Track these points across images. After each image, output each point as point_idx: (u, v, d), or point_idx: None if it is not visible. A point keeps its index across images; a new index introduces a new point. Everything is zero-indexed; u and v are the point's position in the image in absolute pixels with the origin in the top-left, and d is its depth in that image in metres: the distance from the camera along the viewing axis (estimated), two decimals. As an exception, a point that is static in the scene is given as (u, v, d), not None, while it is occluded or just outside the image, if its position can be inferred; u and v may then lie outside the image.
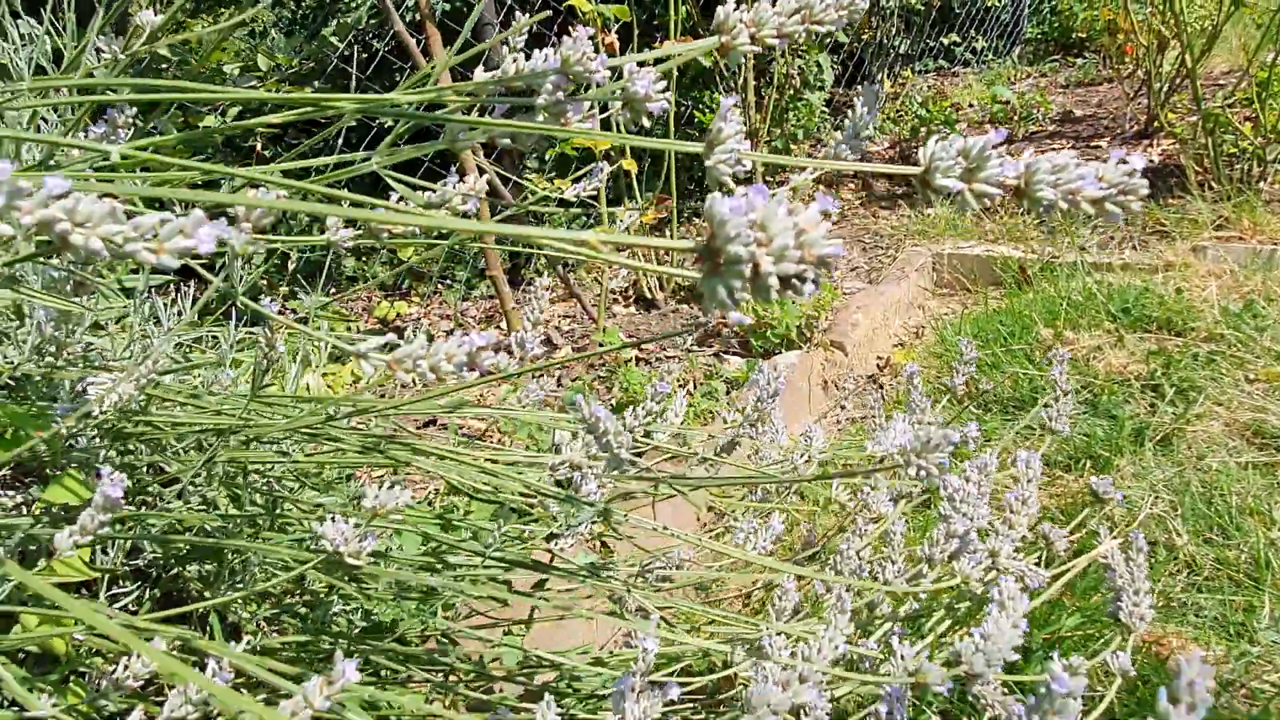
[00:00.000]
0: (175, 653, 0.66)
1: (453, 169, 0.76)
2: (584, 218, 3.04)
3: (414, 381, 0.39)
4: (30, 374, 0.87)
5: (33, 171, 0.51)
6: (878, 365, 2.23)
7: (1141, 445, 1.58)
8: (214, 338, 1.12)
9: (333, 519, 0.58)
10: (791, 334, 2.19)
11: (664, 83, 0.49)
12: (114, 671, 0.62)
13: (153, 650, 0.34)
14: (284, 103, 0.46)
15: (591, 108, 0.49)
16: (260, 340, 0.69)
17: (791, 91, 2.93)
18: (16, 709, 0.63)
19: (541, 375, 2.10)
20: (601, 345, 2.27)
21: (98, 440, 0.78)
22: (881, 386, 2.14)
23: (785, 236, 0.28)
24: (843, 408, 2.01)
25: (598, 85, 0.49)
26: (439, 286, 2.89)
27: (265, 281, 2.80)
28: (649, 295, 2.62)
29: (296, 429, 0.70)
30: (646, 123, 0.49)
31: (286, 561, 0.77)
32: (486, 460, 0.75)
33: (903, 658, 0.78)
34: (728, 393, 2.06)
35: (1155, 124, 3.22)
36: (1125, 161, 0.44)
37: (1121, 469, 1.52)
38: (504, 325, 2.35)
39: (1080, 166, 0.44)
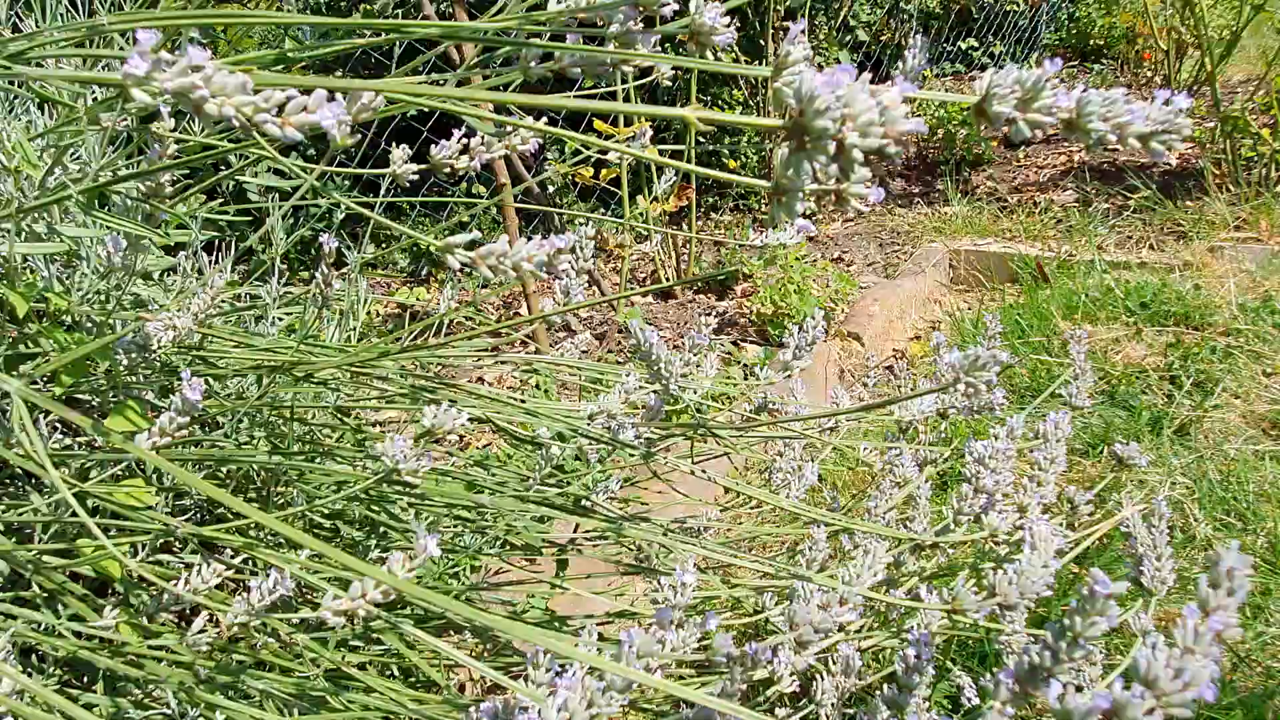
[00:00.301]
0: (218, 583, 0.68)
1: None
2: (602, 208, 3.07)
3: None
4: (82, 318, 0.90)
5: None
6: (894, 356, 2.25)
7: (1159, 434, 1.59)
8: (254, 296, 1.14)
9: (392, 438, 0.60)
10: (809, 324, 2.21)
11: (728, 17, 0.51)
12: (176, 584, 0.64)
13: (252, 509, 0.36)
14: (369, 28, 0.49)
15: (658, 42, 0.52)
16: (317, 277, 0.71)
17: (812, 88, 2.95)
18: (79, 622, 0.65)
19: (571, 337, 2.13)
20: (622, 324, 2.29)
21: (152, 377, 0.81)
22: (898, 376, 2.15)
23: (870, 112, 0.30)
24: (865, 384, 2.03)
25: (663, 20, 0.51)
26: (458, 274, 2.92)
27: (286, 267, 2.84)
28: (665, 282, 2.64)
29: (347, 365, 0.73)
30: (710, 55, 0.51)
31: (334, 489, 0.79)
32: (527, 407, 0.77)
33: (930, 606, 0.80)
34: (745, 379, 2.08)
35: (1173, 129, 3.23)
36: (1170, 101, 0.47)
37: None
38: (524, 309, 2.37)
39: (1130, 102, 0.46)
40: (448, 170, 0.60)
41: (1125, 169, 2.95)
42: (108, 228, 0.66)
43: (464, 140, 0.60)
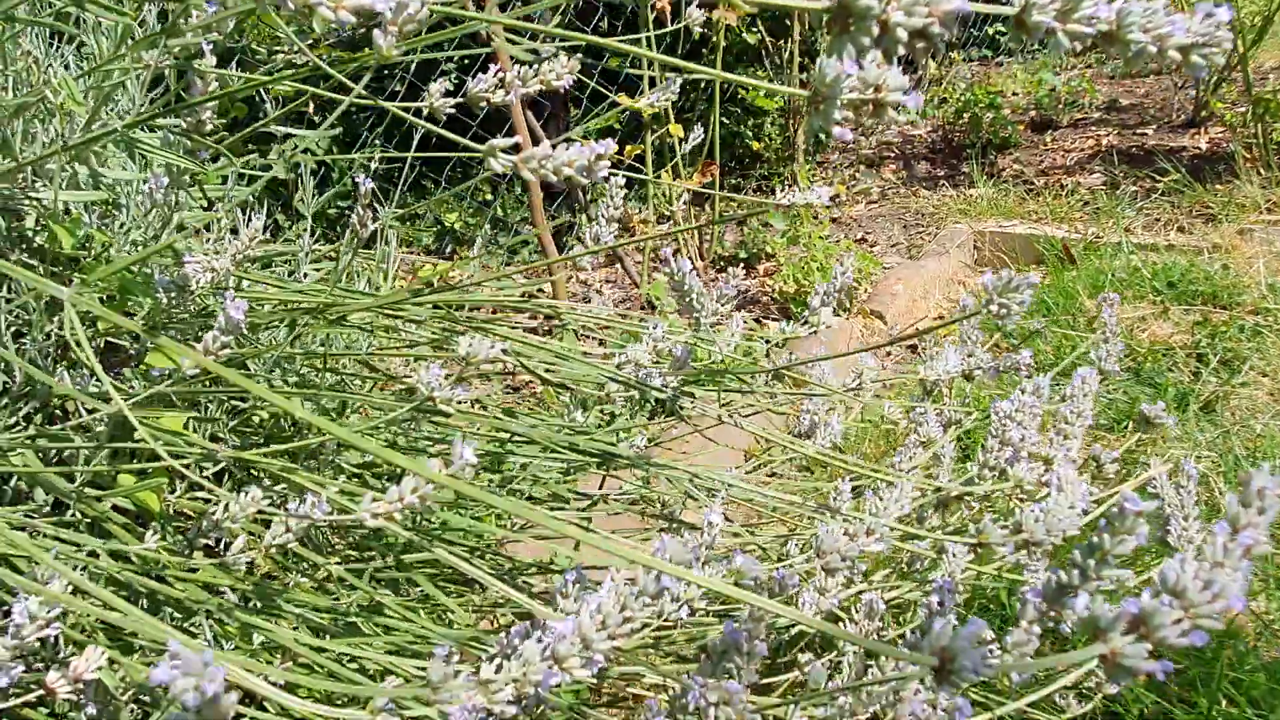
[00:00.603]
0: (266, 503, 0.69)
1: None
2: (626, 188, 3.07)
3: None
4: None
5: None
6: (916, 332, 2.24)
7: (1185, 410, 1.58)
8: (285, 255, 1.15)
9: (427, 366, 0.61)
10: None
11: None
12: (214, 513, 0.65)
13: (321, 419, 0.37)
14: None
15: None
16: (353, 219, 0.72)
17: (837, 68, 2.93)
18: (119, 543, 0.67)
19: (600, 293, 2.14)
20: (645, 299, 2.30)
21: (190, 321, 0.82)
22: (921, 354, 2.15)
23: (914, -6, 0.30)
24: (884, 368, 2.02)
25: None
26: (481, 251, 2.93)
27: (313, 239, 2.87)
28: (690, 263, 2.65)
29: (379, 307, 0.74)
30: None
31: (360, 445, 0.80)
32: (556, 349, 0.78)
33: (954, 555, 0.81)
34: (767, 354, 2.08)
35: (1203, 113, 3.20)
36: (1212, 14, 0.46)
37: (1164, 430, 1.53)
38: (547, 287, 2.38)
39: (1171, 14, 0.46)
40: (483, 104, 0.61)
41: (1155, 152, 2.92)
42: (150, 161, 0.67)
43: (499, 75, 0.61)
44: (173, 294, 0.76)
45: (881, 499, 0.80)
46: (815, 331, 0.94)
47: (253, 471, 1.00)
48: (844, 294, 2.35)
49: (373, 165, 2.06)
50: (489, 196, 3.06)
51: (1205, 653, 1.00)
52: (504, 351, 0.61)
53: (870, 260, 2.38)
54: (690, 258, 2.64)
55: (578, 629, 0.43)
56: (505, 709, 0.47)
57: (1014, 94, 3.77)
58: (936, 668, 0.36)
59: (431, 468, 0.44)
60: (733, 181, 3.23)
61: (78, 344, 0.45)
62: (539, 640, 0.44)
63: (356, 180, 0.73)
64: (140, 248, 0.95)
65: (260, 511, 0.66)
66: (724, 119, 3.21)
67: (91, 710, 0.64)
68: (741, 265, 2.64)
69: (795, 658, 0.82)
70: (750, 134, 3.26)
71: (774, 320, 2.28)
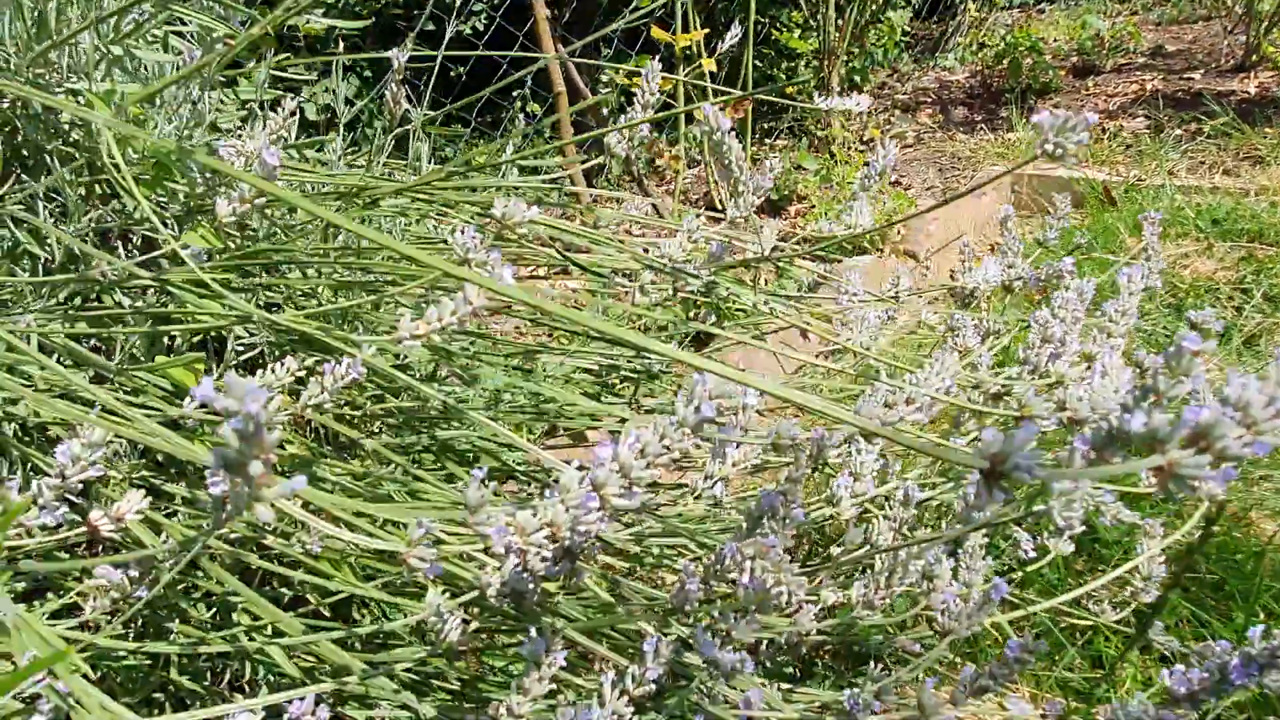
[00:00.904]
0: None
1: None
2: (657, 130, 3.04)
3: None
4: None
5: None
6: (952, 276, 2.21)
7: (1228, 343, 1.55)
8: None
9: (462, 229, 0.60)
10: (863, 240, 2.17)
11: None
12: (261, 376, 0.66)
13: (357, 227, 0.36)
14: None
15: None
16: (387, 95, 0.72)
17: (874, 7, 2.87)
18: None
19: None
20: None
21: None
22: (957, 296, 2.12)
23: None
24: (925, 269, 2.00)
25: None
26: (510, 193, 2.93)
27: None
28: (719, 205, 2.62)
29: (411, 190, 0.73)
30: None
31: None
32: (590, 235, 0.77)
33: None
34: (798, 291, 2.06)
35: (1254, 58, 3.10)
36: None
37: (1205, 362, 1.50)
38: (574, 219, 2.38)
39: None
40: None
41: (1202, 95, 2.84)
42: (185, 26, 0.67)
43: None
44: (207, 175, 0.76)
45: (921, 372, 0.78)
46: (850, 229, 0.92)
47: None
48: (877, 233, 2.29)
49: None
50: (518, 138, 3.04)
51: (1244, 568, 0.99)
52: (535, 237, 0.60)
53: (904, 199, 2.35)
54: (720, 200, 2.62)
55: (616, 456, 0.43)
56: (540, 553, 0.47)
57: (1055, 40, 3.67)
58: (987, 470, 0.35)
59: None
60: (765, 126, 3.18)
61: (115, 168, 0.45)
62: (578, 468, 0.44)
63: (389, 57, 0.72)
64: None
65: (296, 380, 0.66)
66: (757, 62, 3.15)
67: (134, 572, 0.66)
68: (771, 207, 2.61)
69: (830, 553, 0.82)
70: (784, 77, 3.20)
71: (804, 258, 2.26)
